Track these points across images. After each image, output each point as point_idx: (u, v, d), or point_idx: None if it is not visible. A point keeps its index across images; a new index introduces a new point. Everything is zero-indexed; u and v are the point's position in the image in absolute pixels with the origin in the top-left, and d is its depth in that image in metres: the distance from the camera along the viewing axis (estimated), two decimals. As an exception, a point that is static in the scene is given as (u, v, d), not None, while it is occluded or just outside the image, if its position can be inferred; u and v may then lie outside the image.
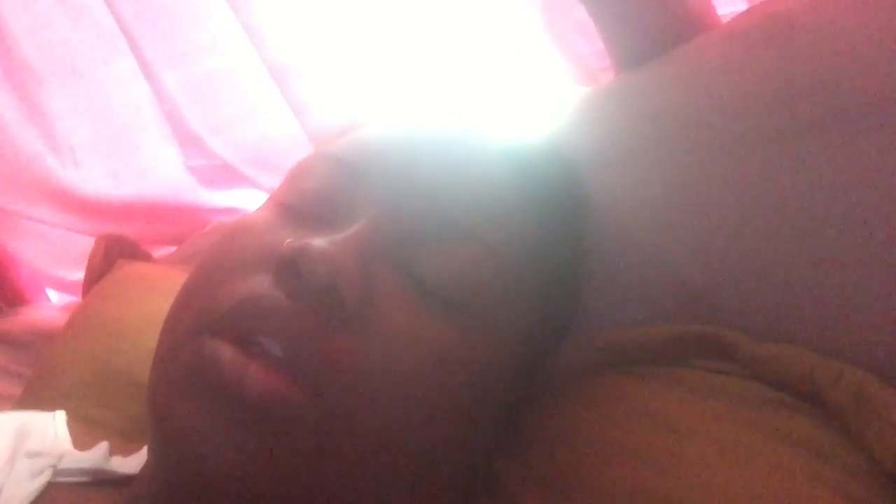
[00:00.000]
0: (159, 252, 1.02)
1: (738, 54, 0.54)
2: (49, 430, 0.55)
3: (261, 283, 0.39)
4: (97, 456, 0.50)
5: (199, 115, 0.93)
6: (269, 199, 0.49)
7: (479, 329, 0.44)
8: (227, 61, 0.89)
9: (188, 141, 0.95)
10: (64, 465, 0.49)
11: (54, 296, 1.13)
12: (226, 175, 0.97)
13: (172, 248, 1.02)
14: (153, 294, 0.79)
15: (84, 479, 0.49)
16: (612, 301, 0.56)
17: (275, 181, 0.95)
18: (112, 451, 0.51)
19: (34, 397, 0.72)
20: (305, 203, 0.45)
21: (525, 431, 0.52)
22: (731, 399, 0.48)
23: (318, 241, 0.39)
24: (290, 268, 0.39)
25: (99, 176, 0.97)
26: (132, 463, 0.50)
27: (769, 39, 0.53)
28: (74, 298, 1.07)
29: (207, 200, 0.99)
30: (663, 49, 0.59)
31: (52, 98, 0.95)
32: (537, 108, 0.69)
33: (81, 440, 0.54)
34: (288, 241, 0.40)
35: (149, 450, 0.44)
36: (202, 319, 0.39)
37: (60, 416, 0.57)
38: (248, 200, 0.99)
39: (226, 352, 0.37)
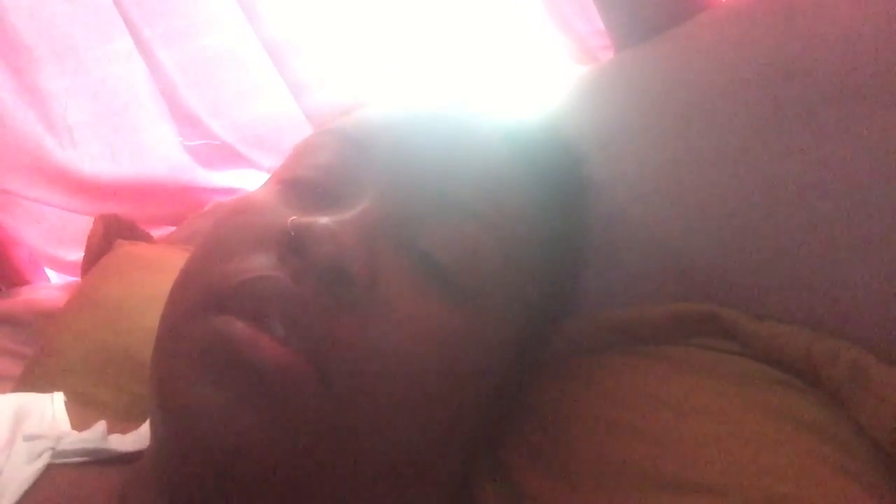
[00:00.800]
0: (158, 232, 1.02)
1: (737, 33, 0.54)
2: (47, 411, 0.55)
3: (264, 263, 0.39)
4: (95, 436, 0.50)
5: (197, 95, 0.93)
6: (272, 176, 0.49)
7: (482, 307, 0.44)
8: (224, 40, 0.88)
9: (186, 121, 0.95)
10: (62, 446, 0.49)
11: (53, 276, 1.13)
12: (224, 155, 0.97)
13: (171, 229, 1.02)
14: (152, 274, 0.79)
15: (83, 459, 0.49)
16: (611, 280, 0.56)
17: (273, 161, 0.95)
18: (110, 430, 0.51)
19: (34, 377, 0.73)
20: (309, 180, 0.45)
21: (525, 410, 0.52)
22: (729, 377, 0.48)
23: (323, 220, 0.39)
24: (294, 246, 0.39)
25: (97, 156, 0.97)
26: (131, 440, 0.50)
27: (768, 18, 0.52)
28: (73, 278, 1.07)
29: (205, 180, 0.99)
30: (663, 27, 0.59)
31: (49, 78, 0.94)
32: (536, 86, 0.69)
33: (80, 420, 0.54)
34: (292, 218, 0.40)
35: (152, 429, 0.44)
36: (206, 296, 0.39)
37: (58, 397, 0.57)
38: (246, 180, 0.99)
39: (238, 324, 0.37)
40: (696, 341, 0.51)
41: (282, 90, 0.85)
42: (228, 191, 1.00)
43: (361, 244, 0.39)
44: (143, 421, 0.52)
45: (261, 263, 0.39)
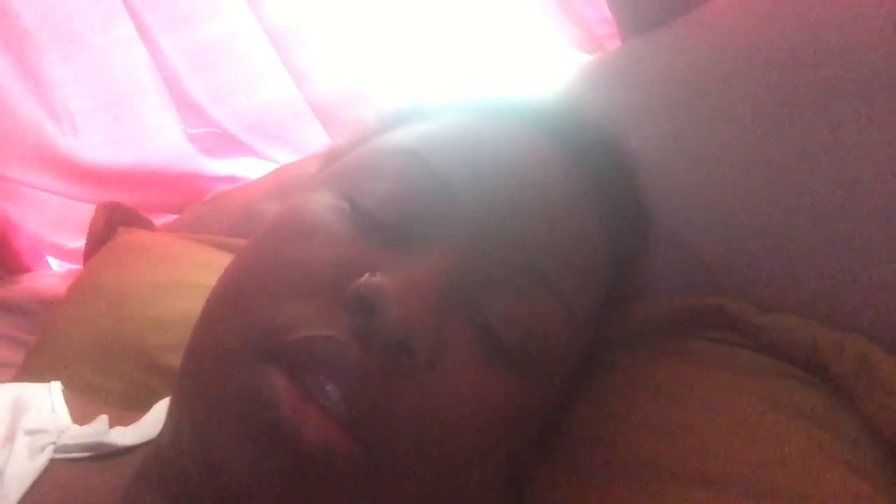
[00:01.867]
0: (160, 220, 1.01)
1: (748, 21, 0.54)
2: (45, 403, 0.53)
3: (325, 317, 0.37)
4: (98, 430, 0.49)
5: (199, 82, 0.92)
6: (333, 186, 0.45)
7: (542, 381, 0.43)
8: (227, 27, 0.87)
9: (188, 108, 0.95)
10: (64, 440, 0.48)
11: (55, 263, 1.13)
12: (226, 143, 0.96)
13: (173, 217, 1.01)
14: (155, 262, 0.78)
15: (85, 454, 0.48)
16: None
17: (275, 150, 0.95)
18: (112, 422, 0.50)
19: (36, 364, 0.72)
20: (379, 207, 0.42)
21: None
22: (736, 370, 0.48)
23: (395, 281, 0.37)
24: (361, 307, 0.37)
25: (98, 143, 0.97)
26: (133, 433, 0.49)
27: (780, 6, 0.52)
28: (75, 266, 1.07)
29: (207, 169, 0.99)
30: (671, 15, 0.58)
31: (51, 64, 0.94)
32: (541, 75, 0.68)
33: (80, 412, 0.53)
34: (364, 279, 0.37)
35: (169, 434, 0.43)
36: (257, 338, 0.37)
37: (56, 387, 0.56)
38: (249, 169, 0.98)
39: (284, 391, 0.35)
40: (704, 334, 0.51)
41: (285, 78, 0.84)
42: (231, 179, 1.00)
43: (431, 314, 0.37)
44: (144, 409, 0.52)
45: (322, 317, 0.37)
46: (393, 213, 0.41)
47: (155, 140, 0.97)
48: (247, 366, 0.36)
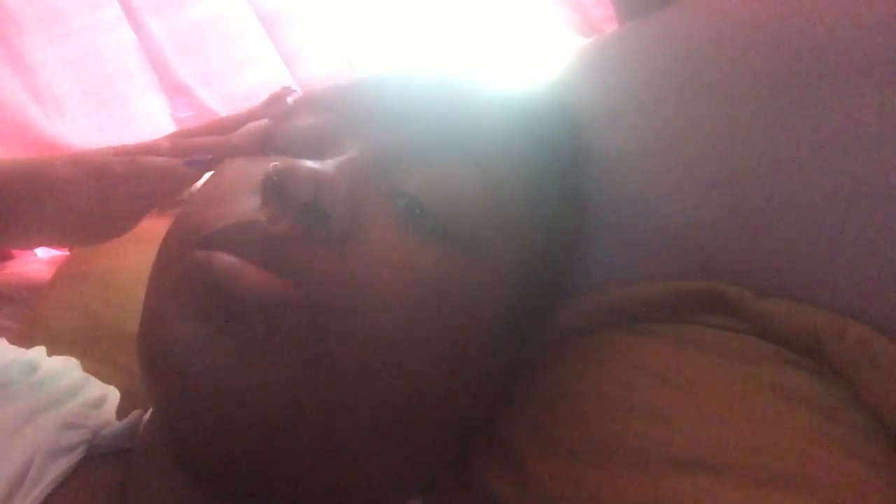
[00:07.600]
0: (147, 205, 1.00)
1: (742, 6, 0.53)
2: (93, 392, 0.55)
3: (246, 206, 0.39)
4: (132, 425, 0.49)
5: (187, 65, 0.91)
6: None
7: (470, 252, 0.43)
8: (216, 8, 0.87)
9: (176, 91, 0.94)
10: (99, 439, 0.48)
11: (39, 250, 1.12)
12: (215, 127, 0.95)
13: (161, 202, 1.00)
14: (143, 246, 0.77)
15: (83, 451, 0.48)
16: (616, 257, 0.56)
17: (265, 134, 0.94)
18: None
19: (22, 351, 0.72)
20: (293, 140, 0.45)
21: (527, 386, 0.52)
22: (734, 355, 0.48)
23: (305, 162, 0.39)
24: (275, 187, 0.39)
25: (84, 127, 0.95)
26: (125, 428, 0.49)
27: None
28: (61, 252, 1.06)
29: (196, 153, 0.98)
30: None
31: (35, 47, 0.92)
32: (536, 58, 0.68)
33: None
34: (274, 163, 0.40)
35: (149, 397, 0.43)
36: (190, 238, 0.39)
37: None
38: (238, 154, 0.98)
39: (220, 254, 0.37)
40: (702, 319, 0.51)
41: (275, 60, 0.84)
42: (220, 164, 0.99)
43: (342, 182, 0.39)
44: (127, 396, 0.51)
45: (242, 207, 0.39)
46: (303, 142, 0.45)
47: (142, 124, 0.96)
48: (185, 255, 0.38)
